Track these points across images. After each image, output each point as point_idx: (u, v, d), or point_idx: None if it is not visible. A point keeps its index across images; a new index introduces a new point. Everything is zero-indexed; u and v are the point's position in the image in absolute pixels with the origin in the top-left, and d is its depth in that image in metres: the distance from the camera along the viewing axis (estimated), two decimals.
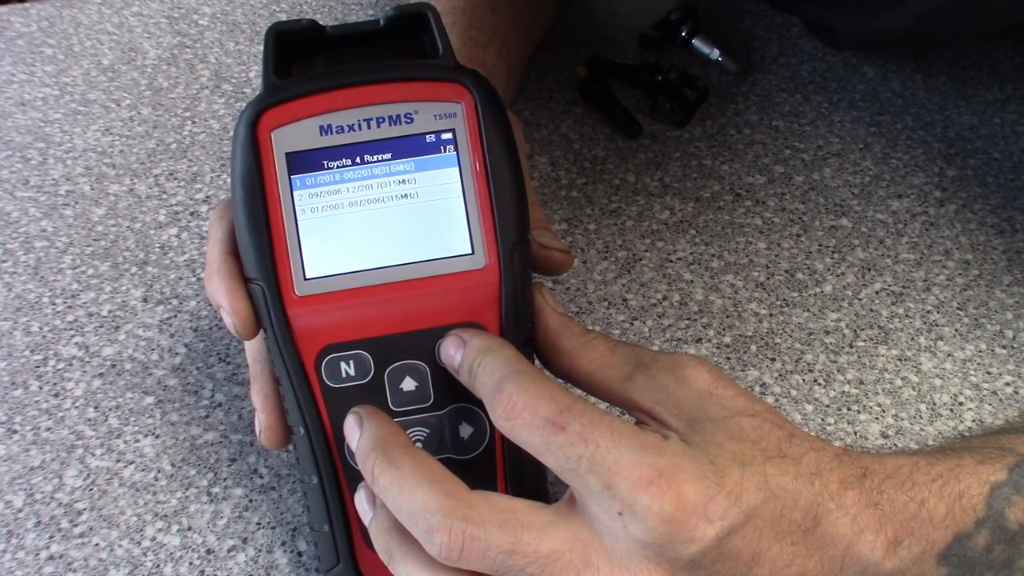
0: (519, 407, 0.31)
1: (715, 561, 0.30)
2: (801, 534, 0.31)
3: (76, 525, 0.44)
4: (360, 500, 0.35)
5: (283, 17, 0.73)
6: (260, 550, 0.43)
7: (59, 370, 0.50)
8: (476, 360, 0.34)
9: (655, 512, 0.29)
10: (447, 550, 0.30)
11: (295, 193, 0.35)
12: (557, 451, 0.30)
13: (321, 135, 0.35)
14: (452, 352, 0.35)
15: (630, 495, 0.29)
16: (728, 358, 0.50)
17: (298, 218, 0.35)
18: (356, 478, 0.36)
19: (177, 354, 0.51)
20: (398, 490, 0.32)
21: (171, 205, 0.59)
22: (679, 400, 0.33)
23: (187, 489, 0.45)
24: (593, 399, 0.35)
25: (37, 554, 0.43)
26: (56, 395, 0.49)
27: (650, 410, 0.33)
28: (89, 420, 0.48)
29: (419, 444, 0.36)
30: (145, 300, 0.53)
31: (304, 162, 0.35)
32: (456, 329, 0.35)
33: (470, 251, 0.35)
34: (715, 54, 0.67)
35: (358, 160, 0.35)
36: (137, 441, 0.47)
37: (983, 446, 0.35)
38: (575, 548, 0.30)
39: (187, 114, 0.65)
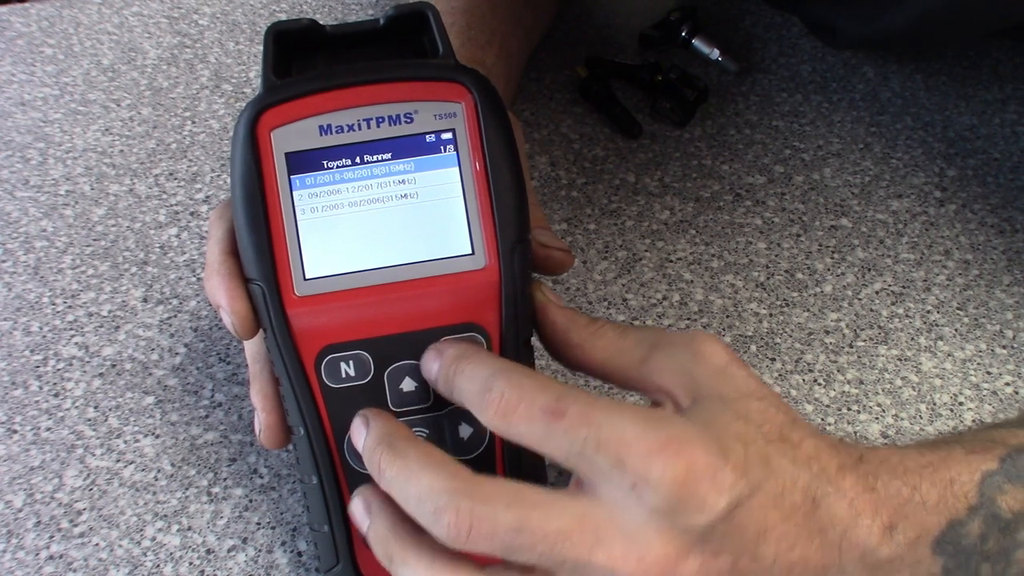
0: (514, 402, 0.31)
1: (724, 535, 0.30)
2: (802, 516, 0.31)
3: (76, 525, 0.44)
4: (356, 508, 0.35)
5: (283, 17, 0.73)
6: (260, 550, 0.43)
7: (59, 370, 0.50)
8: (451, 368, 0.34)
9: (670, 477, 0.29)
10: (455, 530, 0.30)
11: (295, 193, 0.35)
12: (561, 438, 0.30)
13: (321, 135, 0.35)
14: (430, 364, 0.35)
15: (643, 466, 0.29)
16: None
17: (298, 218, 0.35)
18: (356, 478, 0.36)
19: (177, 354, 0.51)
20: (404, 478, 0.32)
21: (171, 205, 0.59)
22: (696, 377, 0.33)
23: (187, 489, 0.45)
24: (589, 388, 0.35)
25: (37, 554, 0.43)
26: (56, 395, 0.49)
27: (669, 389, 0.33)
28: (89, 420, 0.48)
29: None
30: (145, 300, 0.53)
31: (304, 162, 0.35)
32: (436, 343, 0.35)
33: (470, 251, 0.35)
34: (715, 54, 0.67)
35: (358, 160, 0.35)
36: (137, 441, 0.47)
37: (973, 439, 0.36)
38: (585, 526, 0.30)
39: (187, 114, 0.65)
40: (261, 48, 0.37)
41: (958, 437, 0.37)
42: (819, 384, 0.49)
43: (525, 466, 0.37)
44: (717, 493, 0.29)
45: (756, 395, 0.33)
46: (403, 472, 0.32)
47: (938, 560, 0.33)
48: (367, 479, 0.34)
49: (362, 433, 0.34)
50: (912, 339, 0.51)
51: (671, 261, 0.55)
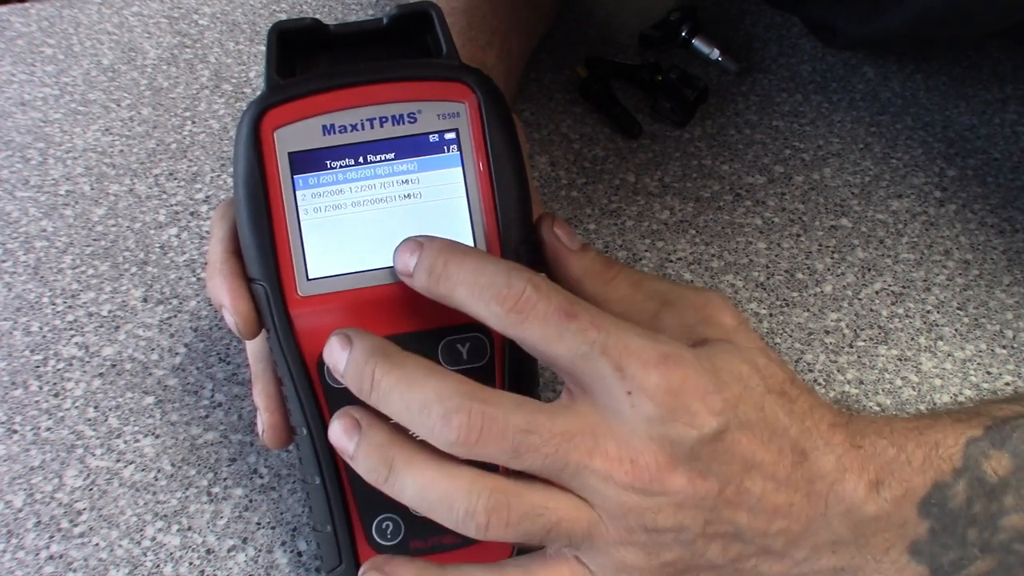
0: (533, 299, 0.31)
1: (712, 458, 0.31)
2: (790, 464, 0.32)
3: (76, 525, 0.44)
4: (338, 429, 0.33)
5: (283, 17, 0.73)
6: (260, 550, 0.43)
7: (59, 370, 0.50)
8: (441, 261, 0.33)
9: (664, 387, 0.30)
10: (466, 431, 0.30)
11: (298, 193, 0.35)
12: (570, 338, 0.31)
13: (324, 135, 0.35)
14: (405, 256, 0.33)
15: (641, 374, 0.30)
16: None
17: (301, 218, 0.35)
18: (359, 478, 0.36)
19: (177, 354, 0.51)
20: (407, 385, 0.31)
21: (171, 205, 0.58)
22: (706, 338, 0.34)
23: (187, 489, 0.45)
24: None
25: (37, 554, 0.43)
26: (56, 395, 0.49)
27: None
28: (89, 420, 0.48)
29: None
30: (145, 300, 0.53)
31: (307, 162, 0.35)
32: (410, 237, 0.34)
33: None
34: (715, 54, 0.67)
35: (361, 160, 0.35)
36: (137, 441, 0.47)
37: (961, 410, 0.37)
38: (584, 430, 0.31)
39: (187, 114, 0.65)
40: (261, 48, 0.37)
41: (947, 409, 0.38)
42: (819, 384, 0.49)
43: None
44: (708, 412, 0.31)
45: (764, 353, 0.34)
46: (404, 379, 0.31)
47: (924, 522, 0.33)
48: None
49: (343, 351, 0.33)
50: (912, 339, 0.51)
51: (671, 261, 0.55)
